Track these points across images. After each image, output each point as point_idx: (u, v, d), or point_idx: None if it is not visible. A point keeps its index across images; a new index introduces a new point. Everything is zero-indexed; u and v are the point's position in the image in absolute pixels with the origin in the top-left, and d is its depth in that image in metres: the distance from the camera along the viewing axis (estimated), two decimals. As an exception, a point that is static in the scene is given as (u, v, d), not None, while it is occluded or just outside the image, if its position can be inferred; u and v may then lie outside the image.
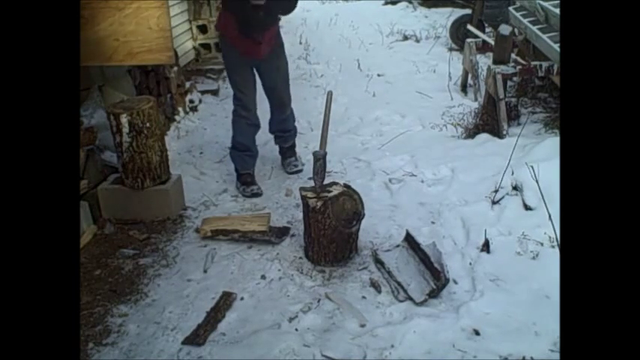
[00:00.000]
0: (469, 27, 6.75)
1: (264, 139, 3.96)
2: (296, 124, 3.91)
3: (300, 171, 3.82)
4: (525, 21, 4.73)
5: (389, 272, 2.58)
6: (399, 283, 2.51)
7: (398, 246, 2.77)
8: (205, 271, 2.71)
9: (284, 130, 3.81)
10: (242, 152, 3.64)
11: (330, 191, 2.71)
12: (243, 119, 3.57)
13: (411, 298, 2.41)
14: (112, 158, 3.35)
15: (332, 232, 2.64)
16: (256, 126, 3.66)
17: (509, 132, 4.02)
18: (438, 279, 2.43)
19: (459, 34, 7.11)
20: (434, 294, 2.41)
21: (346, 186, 2.78)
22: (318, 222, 2.64)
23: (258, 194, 3.53)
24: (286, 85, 3.65)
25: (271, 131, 3.86)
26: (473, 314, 2.27)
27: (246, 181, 3.60)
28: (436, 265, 2.47)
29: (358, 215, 2.72)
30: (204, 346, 2.20)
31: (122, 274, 2.70)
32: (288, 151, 3.93)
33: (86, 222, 3.02)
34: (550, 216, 2.58)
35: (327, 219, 2.62)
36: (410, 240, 2.72)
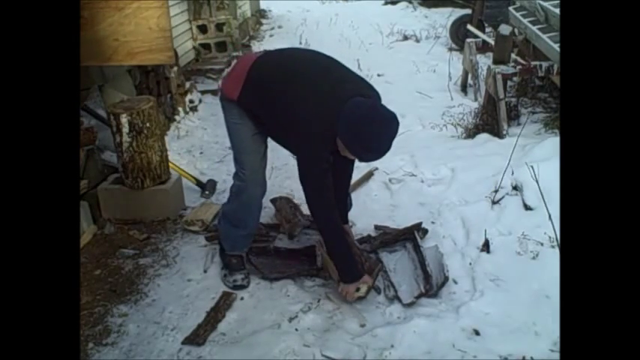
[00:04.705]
0: (469, 27, 6.76)
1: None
2: None
3: None
4: (525, 21, 4.74)
5: (385, 272, 2.58)
6: (391, 284, 2.52)
7: (405, 246, 2.77)
8: (205, 271, 2.71)
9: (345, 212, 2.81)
10: (235, 228, 2.58)
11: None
12: (246, 203, 2.52)
13: (399, 299, 2.42)
14: (112, 158, 3.35)
15: None
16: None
17: (509, 132, 4.03)
18: (427, 283, 2.44)
19: (459, 34, 7.12)
20: (422, 297, 2.41)
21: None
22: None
23: (242, 287, 2.53)
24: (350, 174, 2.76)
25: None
26: (473, 314, 2.27)
27: (231, 264, 2.60)
28: (428, 268, 2.47)
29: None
30: (204, 346, 2.20)
31: (122, 274, 2.70)
32: None
33: (86, 222, 3.02)
34: (550, 216, 2.58)
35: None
36: (415, 242, 2.73)
